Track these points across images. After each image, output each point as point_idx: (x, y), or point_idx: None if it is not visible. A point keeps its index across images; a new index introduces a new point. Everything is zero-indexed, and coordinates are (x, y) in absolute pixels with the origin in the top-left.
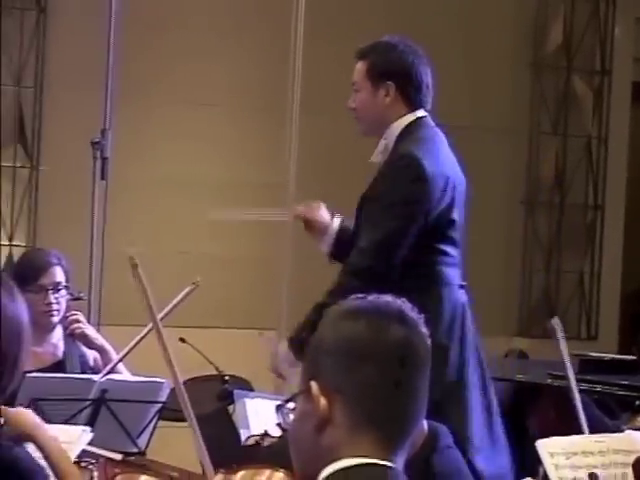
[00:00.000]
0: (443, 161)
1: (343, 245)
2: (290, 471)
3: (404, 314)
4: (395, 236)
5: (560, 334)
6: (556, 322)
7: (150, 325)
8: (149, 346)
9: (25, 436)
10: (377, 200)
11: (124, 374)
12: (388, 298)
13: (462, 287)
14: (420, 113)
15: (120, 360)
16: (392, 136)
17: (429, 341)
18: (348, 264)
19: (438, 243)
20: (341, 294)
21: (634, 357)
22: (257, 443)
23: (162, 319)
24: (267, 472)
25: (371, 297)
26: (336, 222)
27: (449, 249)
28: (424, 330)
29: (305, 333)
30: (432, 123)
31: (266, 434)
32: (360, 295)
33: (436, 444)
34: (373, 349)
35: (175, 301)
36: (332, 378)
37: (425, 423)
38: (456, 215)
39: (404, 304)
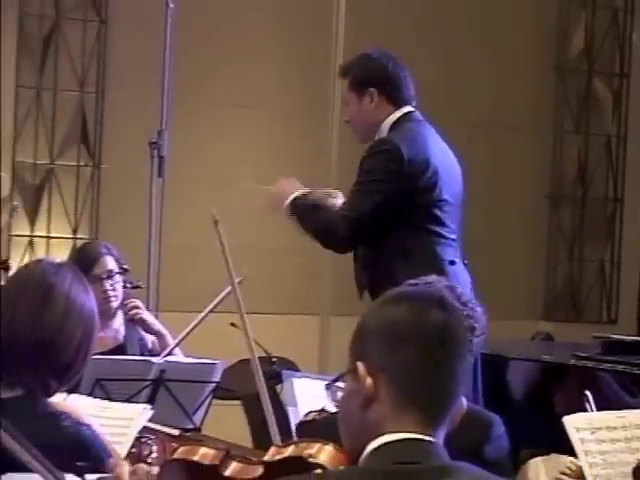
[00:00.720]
0: (424, 147)
1: None
2: (338, 445)
3: (444, 299)
4: (364, 213)
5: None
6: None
7: (205, 312)
8: (200, 331)
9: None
10: (357, 180)
11: (179, 356)
12: (430, 284)
13: (453, 263)
14: (406, 109)
15: (178, 344)
16: (384, 133)
17: (468, 325)
18: (329, 226)
19: (426, 223)
20: (320, 233)
21: None
22: (314, 420)
23: (212, 310)
24: (317, 445)
25: (414, 284)
26: None
27: (437, 228)
28: (464, 314)
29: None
30: (420, 117)
31: (323, 410)
32: (409, 282)
33: (490, 433)
34: (415, 331)
35: (223, 293)
36: (377, 359)
37: (464, 401)
38: (444, 197)
39: (445, 290)
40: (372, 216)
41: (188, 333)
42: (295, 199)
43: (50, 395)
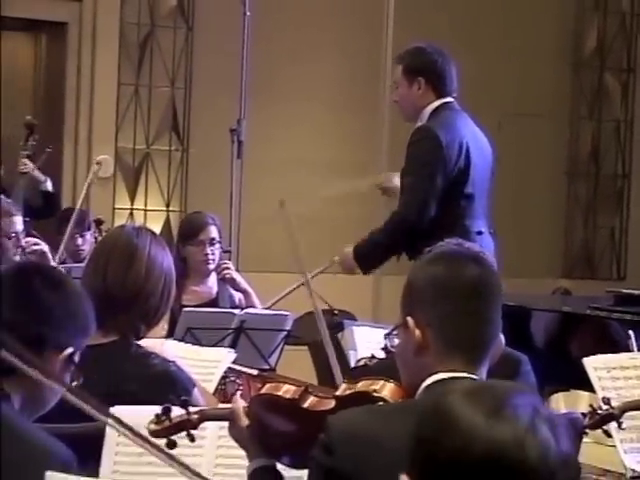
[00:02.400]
0: (458, 132)
1: None
2: (398, 382)
3: (478, 256)
4: (425, 195)
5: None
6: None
7: (291, 287)
8: (276, 289)
9: None
10: (406, 169)
11: (258, 308)
12: (465, 244)
13: (480, 233)
14: (446, 99)
15: (270, 307)
16: (424, 118)
17: (499, 279)
18: (389, 221)
19: (456, 200)
20: (385, 239)
21: None
22: (366, 364)
23: (298, 286)
24: (381, 382)
25: (450, 244)
26: None
27: (465, 203)
28: (495, 270)
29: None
30: (456, 106)
31: (373, 357)
32: (442, 243)
33: (519, 369)
34: (453, 285)
35: (316, 271)
36: (423, 314)
37: (503, 339)
38: (472, 173)
39: (479, 249)
40: (428, 195)
41: (274, 304)
42: (355, 253)
43: (140, 338)
